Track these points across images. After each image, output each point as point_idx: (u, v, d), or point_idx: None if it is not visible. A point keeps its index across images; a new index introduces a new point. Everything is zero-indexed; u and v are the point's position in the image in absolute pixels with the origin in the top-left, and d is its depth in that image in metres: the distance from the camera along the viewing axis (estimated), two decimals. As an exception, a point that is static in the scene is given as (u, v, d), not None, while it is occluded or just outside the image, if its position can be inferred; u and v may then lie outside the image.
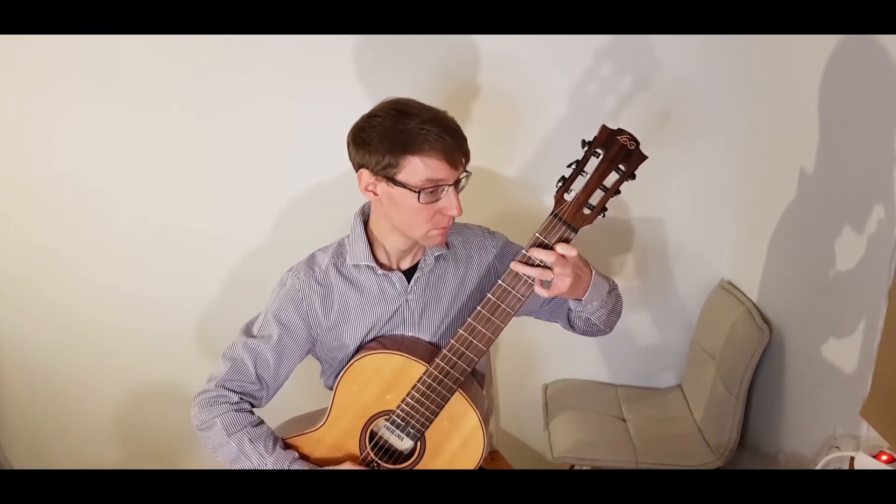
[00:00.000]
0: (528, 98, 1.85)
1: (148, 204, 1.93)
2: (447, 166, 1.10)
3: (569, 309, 1.30)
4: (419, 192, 1.10)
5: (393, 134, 1.09)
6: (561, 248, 1.08)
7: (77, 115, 1.83)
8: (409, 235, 1.19)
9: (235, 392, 1.25)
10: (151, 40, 1.74)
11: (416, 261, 1.28)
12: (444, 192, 1.13)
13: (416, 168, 1.09)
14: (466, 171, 1.15)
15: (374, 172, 1.13)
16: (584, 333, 1.34)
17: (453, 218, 1.16)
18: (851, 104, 1.39)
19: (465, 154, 1.14)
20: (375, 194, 1.16)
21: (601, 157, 1.05)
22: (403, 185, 1.11)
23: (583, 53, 1.80)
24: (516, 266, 1.10)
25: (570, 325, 1.34)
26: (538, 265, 1.09)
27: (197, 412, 1.25)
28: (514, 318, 1.14)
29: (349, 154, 1.17)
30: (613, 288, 1.26)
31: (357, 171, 1.16)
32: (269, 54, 1.78)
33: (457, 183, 1.14)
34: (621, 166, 1.05)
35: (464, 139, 1.13)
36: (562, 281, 1.09)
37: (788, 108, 1.67)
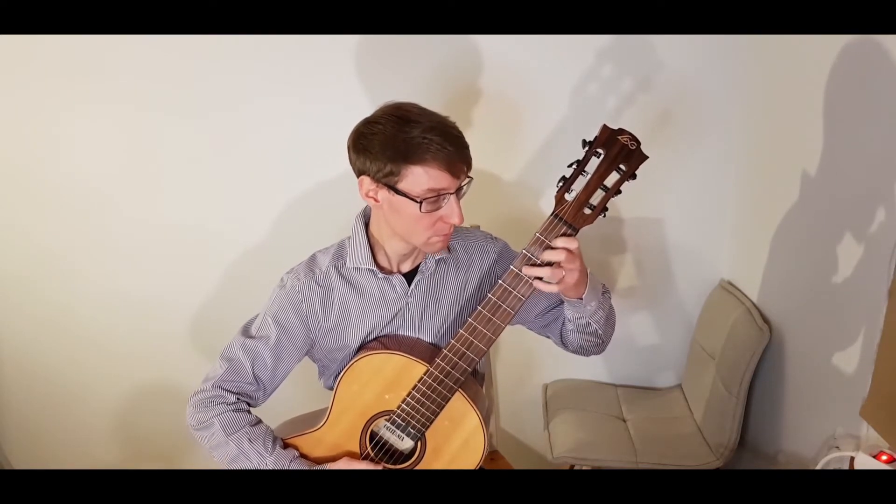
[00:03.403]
0: (529, 98, 1.85)
1: (148, 204, 1.93)
2: (449, 176, 1.09)
3: (563, 322, 1.28)
4: (421, 202, 1.09)
5: (394, 142, 1.07)
6: (562, 241, 1.07)
7: (77, 115, 1.83)
8: (410, 241, 1.19)
9: (232, 392, 1.25)
10: (152, 40, 1.74)
11: (416, 264, 1.27)
12: (445, 201, 1.12)
13: (418, 178, 1.08)
14: (468, 177, 1.14)
15: (376, 180, 1.12)
16: (579, 349, 1.30)
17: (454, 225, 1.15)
18: (852, 104, 1.39)
19: (467, 162, 1.12)
20: (377, 201, 1.15)
21: (602, 156, 1.05)
22: (405, 195, 1.10)
23: (583, 54, 1.79)
24: (527, 269, 1.09)
25: (563, 342, 1.32)
26: (546, 265, 1.08)
27: (193, 412, 1.24)
28: (509, 327, 1.14)
29: (350, 159, 1.16)
30: (606, 290, 1.26)
31: (358, 176, 1.15)
32: (270, 54, 1.77)
33: (458, 190, 1.13)
34: (622, 166, 1.05)
35: (466, 147, 1.11)
36: (571, 276, 1.09)
37: (788, 109, 1.67)
